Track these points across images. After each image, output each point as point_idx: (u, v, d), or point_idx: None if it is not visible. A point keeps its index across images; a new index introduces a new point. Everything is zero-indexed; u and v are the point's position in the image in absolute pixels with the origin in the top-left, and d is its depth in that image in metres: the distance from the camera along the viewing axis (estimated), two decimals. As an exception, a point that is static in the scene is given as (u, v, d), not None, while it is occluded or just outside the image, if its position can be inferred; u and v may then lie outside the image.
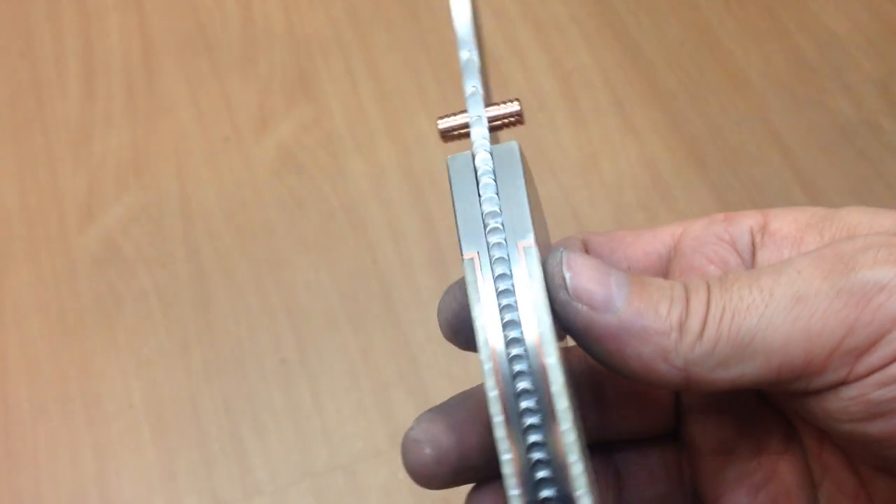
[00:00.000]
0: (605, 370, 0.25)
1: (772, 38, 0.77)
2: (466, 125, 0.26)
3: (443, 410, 0.27)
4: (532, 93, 0.75)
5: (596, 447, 0.29)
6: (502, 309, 0.23)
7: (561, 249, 0.25)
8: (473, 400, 0.27)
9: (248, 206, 0.72)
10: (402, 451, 0.27)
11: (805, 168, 0.70)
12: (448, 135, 0.26)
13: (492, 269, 0.24)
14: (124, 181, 0.74)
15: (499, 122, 0.26)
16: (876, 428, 0.23)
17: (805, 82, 0.75)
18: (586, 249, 0.29)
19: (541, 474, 0.23)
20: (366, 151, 0.74)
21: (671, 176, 0.71)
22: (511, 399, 0.23)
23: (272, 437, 0.62)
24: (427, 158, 0.73)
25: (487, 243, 0.24)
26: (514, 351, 0.23)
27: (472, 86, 0.26)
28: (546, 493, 0.23)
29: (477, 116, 0.26)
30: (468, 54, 0.27)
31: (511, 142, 0.25)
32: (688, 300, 0.24)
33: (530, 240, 0.24)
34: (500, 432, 0.23)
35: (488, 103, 0.26)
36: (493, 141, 0.26)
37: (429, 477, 0.27)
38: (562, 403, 0.23)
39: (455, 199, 0.25)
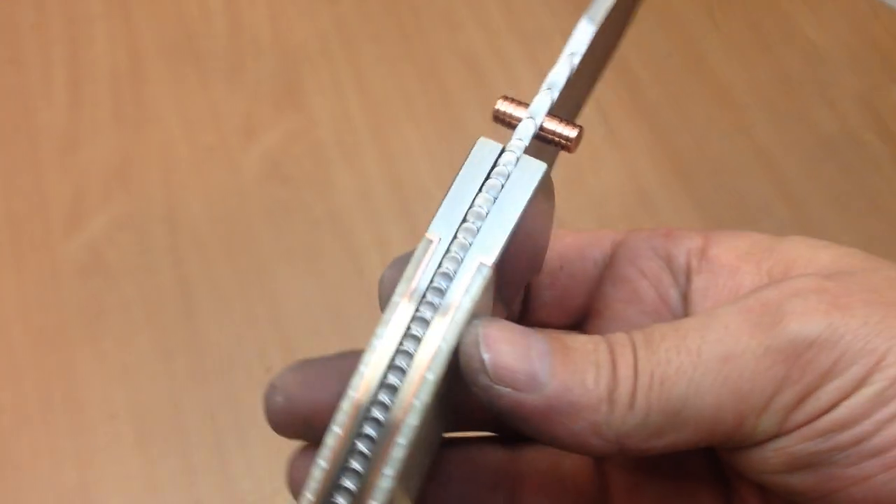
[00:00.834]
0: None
1: (757, 52, 0.78)
2: (518, 119, 0.25)
3: (309, 365, 0.27)
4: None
5: None
6: (413, 319, 0.23)
7: (477, 322, 0.23)
8: (344, 363, 0.26)
9: (233, 214, 0.72)
10: (263, 395, 0.26)
11: (788, 181, 0.71)
12: (498, 118, 0.25)
13: (440, 262, 0.23)
14: (110, 189, 0.73)
15: (548, 136, 0.25)
16: (797, 479, 0.23)
17: (789, 96, 0.76)
18: None
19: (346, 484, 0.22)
20: (352, 161, 0.74)
21: (655, 188, 0.71)
22: (359, 419, 0.22)
23: (257, 446, 0.62)
24: (413, 169, 0.73)
25: (454, 237, 0.23)
26: (392, 378, 0.22)
27: (549, 88, 0.25)
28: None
29: (530, 117, 0.25)
30: (571, 60, 0.25)
31: (542, 163, 0.24)
32: (614, 365, 0.23)
33: (490, 259, 0.23)
34: (330, 440, 0.22)
35: (552, 113, 0.25)
36: (539, 154, 0.25)
37: (278, 424, 0.27)
38: (397, 453, 0.22)
39: (457, 178, 0.24)
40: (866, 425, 0.22)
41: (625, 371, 0.22)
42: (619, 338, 0.23)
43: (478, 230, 0.23)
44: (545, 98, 0.25)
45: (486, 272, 0.23)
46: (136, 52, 0.81)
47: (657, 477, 0.28)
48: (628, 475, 0.29)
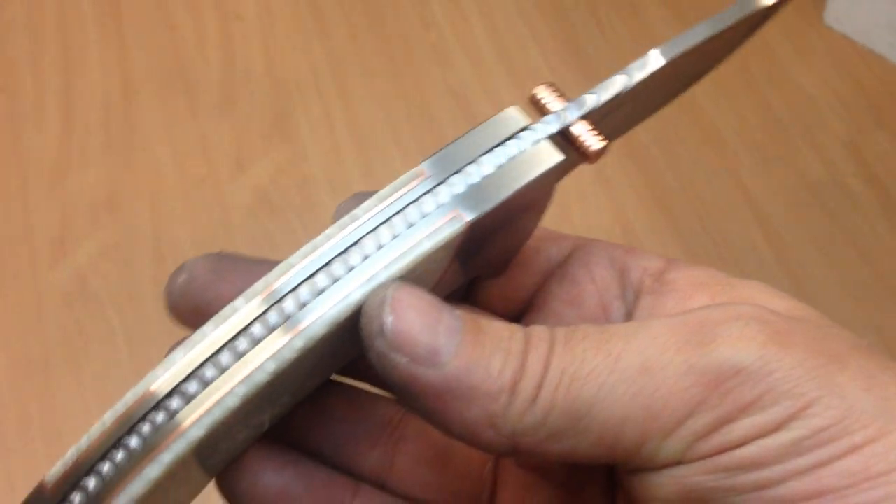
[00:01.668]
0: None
1: (745, 94, 0.79)
2: (551, 109, 0.23)
3: (225, 257, 0.25)
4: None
5: None
6: (355, 244, 0.22)
7: (390, 283, 0.21)
8: (258, 268, 0.24)
9: (220, 244, 0.72)
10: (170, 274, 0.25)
11: (772, 223, 0.71)
12: (534, 102, 0.24)
13: (418, 197, 0.22)
14: (97, 217, 0.73)
15: (574, 137, 0.23)
16: None
17: (776, 140, 0.76)
18: None
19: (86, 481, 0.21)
20: (341, 194, 0.74)
21: (640, 225, 0.72)
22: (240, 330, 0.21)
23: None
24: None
25: (444, 180, 0.22)
26: (304, 294, 0.21)
27: (594, 93, 0.24)
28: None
29: (563, 109, 0.23)
30: (626, 80, 0.24)
31: (559, 154, 0.23)
32: (525, 356, 0.21)
33: (470, 216, 0.22)
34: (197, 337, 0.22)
35: (586, 117, 0.24)
36: (563, 150, 0.23)
37: (174, 304, 0.25)
38: (153, 471, 0.21)
39: (472, 131, 0.23)
40: (775, 471, 0.20)
41: (535, 363, 0.21)
42: (539, 330, 0.22)
43: (469, 185, 0.22)
44: (587, 99, 0.23)
45: (459, 227, 0.21)
46: (128, 80, 0.81)
47: (551, 485, 0.26)
48: (524, 473, 0.27)
